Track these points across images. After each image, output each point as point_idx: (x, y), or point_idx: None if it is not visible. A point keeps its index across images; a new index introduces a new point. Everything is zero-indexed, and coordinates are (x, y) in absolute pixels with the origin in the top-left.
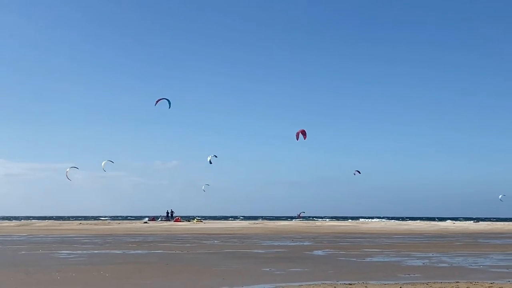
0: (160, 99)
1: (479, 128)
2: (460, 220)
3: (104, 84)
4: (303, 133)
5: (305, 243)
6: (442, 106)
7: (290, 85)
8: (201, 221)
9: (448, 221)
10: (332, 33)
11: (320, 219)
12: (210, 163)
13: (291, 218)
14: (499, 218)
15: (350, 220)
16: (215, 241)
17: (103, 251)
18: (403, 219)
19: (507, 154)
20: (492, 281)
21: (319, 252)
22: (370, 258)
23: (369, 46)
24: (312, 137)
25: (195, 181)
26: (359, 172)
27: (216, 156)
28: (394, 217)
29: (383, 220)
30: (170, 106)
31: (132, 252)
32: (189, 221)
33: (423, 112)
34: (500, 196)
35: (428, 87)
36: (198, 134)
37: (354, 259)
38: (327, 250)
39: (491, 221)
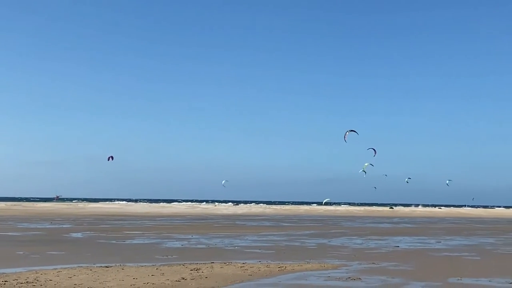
0: None
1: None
2: (224, 202)
3: None
4: None
5: (64, 226)
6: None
7: None
8: None
9: (217, 203)
10: None
11: (83, 201)
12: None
13: (50, 199)
14: (267, 201)
15: (118, 202)
16: None
17: None
18: (168, 201)
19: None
20: (244, 261)
21: (78, 235)
22: (130, 241)
23: None
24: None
25: None
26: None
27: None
28: (160, 199)
29: (149, 203)
30: None
31: None
32: None
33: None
34: (447, 182)
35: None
36: None
37: (114, 242)
38: (87, 232)
39: (248, 203)
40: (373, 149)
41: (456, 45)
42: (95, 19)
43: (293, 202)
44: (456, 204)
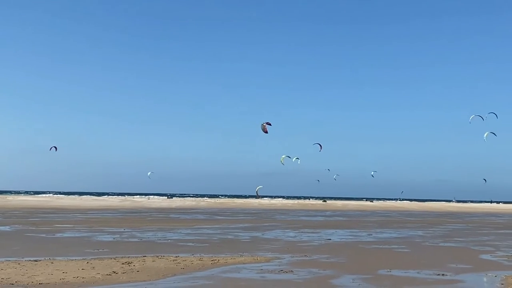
0: None
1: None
2: (158, 195)
3: None
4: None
5: None
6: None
7: None
8: None
9: (152, 196)
10: None
11: (12, 194)
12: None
13: None
14: (202, 194)
15: (49, 195)
16: None
17: None
18: (100, 194)
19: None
20: (177, 254)
21: (6, 228)
22: (61, 234)
23: None
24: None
25: None
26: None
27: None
28: (92, 192)
29: (80, 196)
30: None
31: None
32: None
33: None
34: (372, 173)
35: None
36: None
37: (44, 235)
38: (15, 226)
39: (184, 197)
40: (319, 144)
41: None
42: None
43: (229, 195)
44: (388, 197)
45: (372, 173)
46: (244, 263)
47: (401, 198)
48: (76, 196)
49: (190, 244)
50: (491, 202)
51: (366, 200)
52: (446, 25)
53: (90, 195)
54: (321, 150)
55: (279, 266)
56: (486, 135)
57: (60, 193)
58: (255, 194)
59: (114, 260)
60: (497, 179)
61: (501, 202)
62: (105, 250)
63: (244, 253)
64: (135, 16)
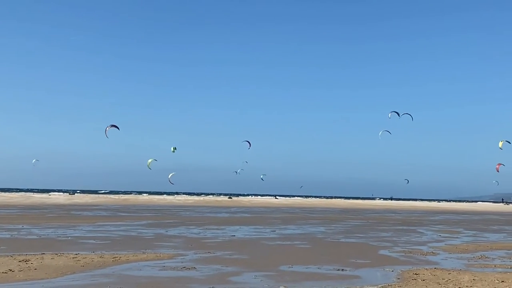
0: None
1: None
2: (59, 192)
3: None
4: None
5: None
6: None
7: None
8: None
9: (53, 193)
10: None
11: None
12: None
13: None
14: (107, 191)
15: None
16: None
17: None
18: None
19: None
20: (77, 252)
21: None
22: None
23: None
24: None
25: None
26: None
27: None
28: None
29: None
30: None
31: None
32: None
33: None
34: (261, 176)
35: None
36: None
37: None
38: None
39: (86, 193)
40: (248, 142)
41: None
42: None
43: (136, 191)
44: (289, 194)
45: (262, 176)
46: (146, 260)
47: (303, 194)
48: None
49: (92, 241)
50: (391, 199)
51: (276, 197)
52: None
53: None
54: (250, 147)
55: (182, 263)
56: (381, 133)
57: None
58: (163, 192)
59: (11, 258)
60: (387, 177)
61: (400, 199)
62: (1, 247)
63: (147, 250)
64: None
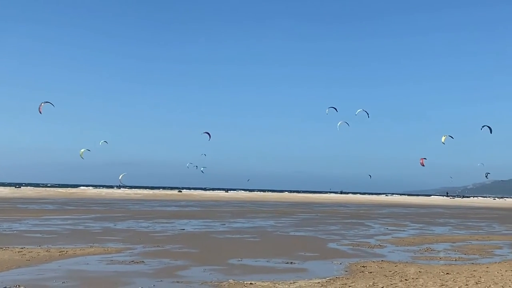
0: None
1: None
2: (3, 186)
3: None
4: None
5: None
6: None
7: None
8: None
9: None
10: None
11: None
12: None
13: None
14: (53, 184)
15: None
16: None
17: None
18: None
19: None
20: (23, 246)
21: None
22: None
23: None
24: None
25: None
26: None
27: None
28: None
29: None
30: None
31: None
32: None
33: None
34: (202, 169)
35: None
36: None
37: None
38: None
39: (33, 186)
40: (208, 133)
41: None
42: None
43: (83, 185)
44: (237, 188)
45: (202, 169)
46: (94, 254)
47: (250, 188)
48: None
49: (38, 235)
50: (341, 192)
51: (226, 191)
52: None
53: None
54: (210, 139)
55: (130, 256)
56: (340, 124)
57: None
58: (113, 186)
59: None
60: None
61: (350, 193)
62: None
63: (95, 244)
64: None
